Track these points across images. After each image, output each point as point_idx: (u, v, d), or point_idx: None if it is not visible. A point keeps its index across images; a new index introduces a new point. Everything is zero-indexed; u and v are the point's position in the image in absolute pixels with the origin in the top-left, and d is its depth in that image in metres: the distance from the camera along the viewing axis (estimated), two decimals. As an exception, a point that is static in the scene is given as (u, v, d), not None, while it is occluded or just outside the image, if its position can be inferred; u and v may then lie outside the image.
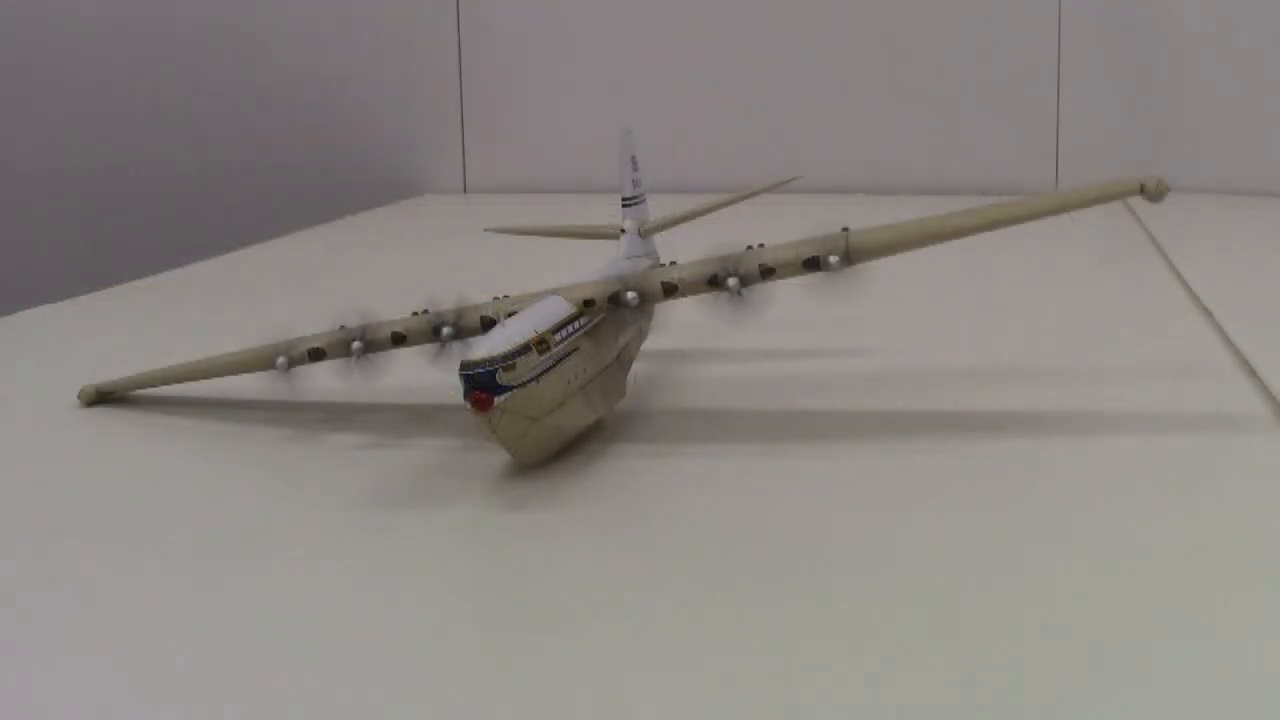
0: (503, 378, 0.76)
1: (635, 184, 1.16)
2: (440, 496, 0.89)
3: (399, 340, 0.93)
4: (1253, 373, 1.09)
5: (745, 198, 1.18)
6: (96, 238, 2.56)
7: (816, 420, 1.02)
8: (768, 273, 0.88)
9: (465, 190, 2.55)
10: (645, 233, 1.13)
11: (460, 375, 0.77)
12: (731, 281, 0.87)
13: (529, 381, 0.78)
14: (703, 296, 0.91)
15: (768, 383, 1.14)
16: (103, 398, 1.07)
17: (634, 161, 1.16)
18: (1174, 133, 2.29)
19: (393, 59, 2.54)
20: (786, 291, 1.20)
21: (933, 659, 0.68)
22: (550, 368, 0.80)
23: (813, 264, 0.88)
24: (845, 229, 0.90)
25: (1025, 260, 1.49)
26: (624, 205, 1.15)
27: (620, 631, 0.71)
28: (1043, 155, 2.36)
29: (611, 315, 0.92)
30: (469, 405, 0.76)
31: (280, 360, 0.93)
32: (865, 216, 0.95)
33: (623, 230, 1.12)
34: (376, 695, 0.64)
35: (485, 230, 1.32)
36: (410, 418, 1.02)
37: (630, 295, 0.89)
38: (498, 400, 0.75)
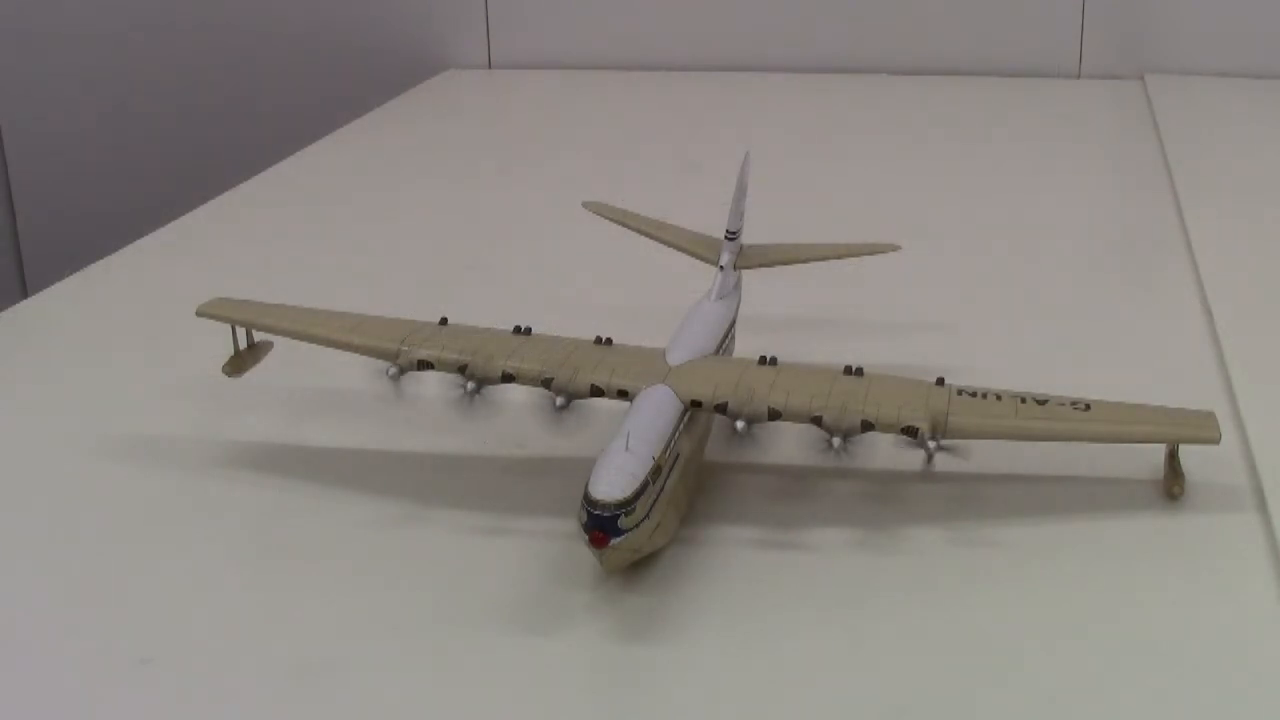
0: (624, 522, 0.77)
1: (740, 215, 1.09)
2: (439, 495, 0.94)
3: (509, 379, 0.92)
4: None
5: (843, 256, 1.15)
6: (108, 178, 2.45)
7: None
8: (868, 427, 0.87)
9: (490, 66, 2.42)
10: (737, 266, 1.08)
11: (585, 508, 0.78)
12: (835, 441, 0.86)
13: (643, 520, 0.79)
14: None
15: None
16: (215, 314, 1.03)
17: (745, 189, 1.10)
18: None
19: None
20: (788, 292, 1.22)
21: (931, 658, 0.76)
22: (658, 494, 0.81)
23: (910, 431, 0.87)
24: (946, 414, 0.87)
25: (1027, 260, 1.45)
26: (727, 238, 1.08)
27: (618, 631, 0.79)
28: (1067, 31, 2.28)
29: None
30: (584, 534, 0.78)
31: (391, 370, 0.93)
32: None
33: (720, 267, 1.06)
34: (376, 692, 0.74)
35: (583, 204, 1.25)
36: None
37: (740, 425, 0.87)
38: (613, 541, 0.77)
